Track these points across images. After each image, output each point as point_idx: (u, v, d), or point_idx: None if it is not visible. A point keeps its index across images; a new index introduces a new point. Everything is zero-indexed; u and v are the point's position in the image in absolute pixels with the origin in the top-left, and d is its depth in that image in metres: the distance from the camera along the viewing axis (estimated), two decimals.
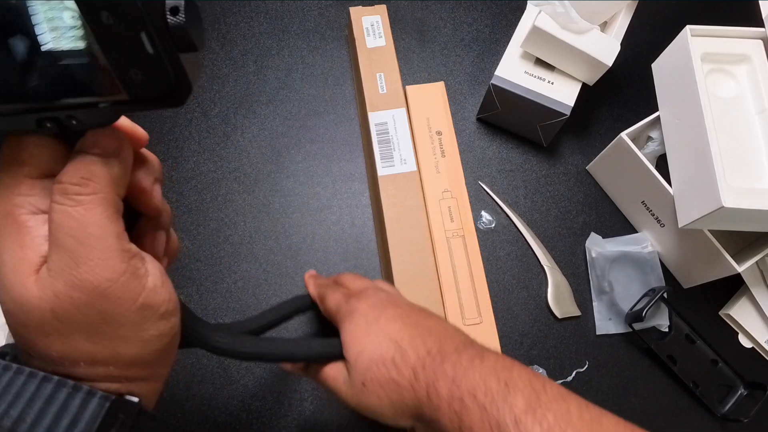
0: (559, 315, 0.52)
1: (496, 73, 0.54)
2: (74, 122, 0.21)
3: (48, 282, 0.20)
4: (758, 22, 0.50)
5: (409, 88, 0.56)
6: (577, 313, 0.53)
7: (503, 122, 0.59)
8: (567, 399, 0.29)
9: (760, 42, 0.50)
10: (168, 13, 0.18)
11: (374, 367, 0.33)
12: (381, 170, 0.51)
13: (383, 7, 0.59)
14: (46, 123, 0.21)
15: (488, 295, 0.49)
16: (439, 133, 0.54)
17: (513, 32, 0.57)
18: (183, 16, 0.18)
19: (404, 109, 0.54)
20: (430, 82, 0.59)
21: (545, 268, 0.54)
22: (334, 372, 0.36)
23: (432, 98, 0.56)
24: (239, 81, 0.60)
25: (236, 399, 0.47)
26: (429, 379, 0.31)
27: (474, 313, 0.48)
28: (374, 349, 0.33)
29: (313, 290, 0.44)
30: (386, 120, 0.53)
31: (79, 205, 0.21)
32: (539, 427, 0.27)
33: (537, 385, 0.29)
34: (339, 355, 0.35)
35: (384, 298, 0.38)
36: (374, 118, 0.53)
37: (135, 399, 0.23)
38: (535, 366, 0.50)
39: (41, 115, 0.21)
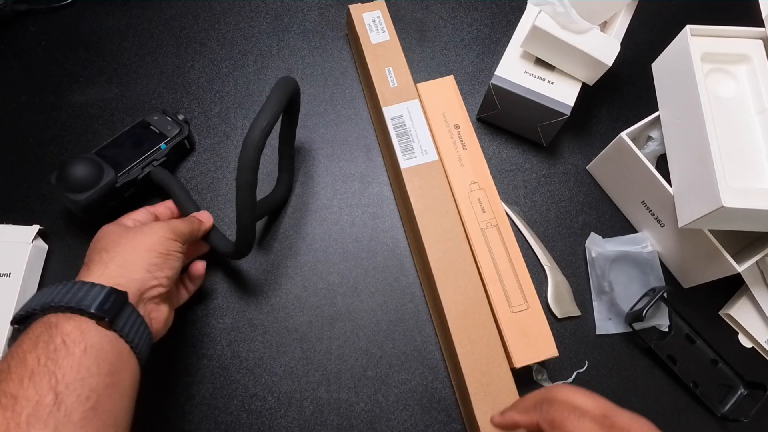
0: (559, 315, 0.52)
1: (496, 72, 0.54)
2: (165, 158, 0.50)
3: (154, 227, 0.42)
4: (758, 22, 0.50)
5: (420, 85, 0.56)
6: (577, 313, 0.53)
7: (503, 122, 0.59)
8: None
9: (760, 42, 0.50)
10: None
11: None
12: (403, 163, 0.51)
13: (382, 3, 0.59)
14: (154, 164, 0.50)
15: (531, 281, 0.49)
16: (457, 126, 0.54)
17: (513, 32, 0.57)
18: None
19: (417, 101, 0.54)
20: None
21: (545, 267, 0.54)
22: None
23: (444, 93, 0.56)
24: (239, 81, 0.60)
25: (236, 399, 0.47)
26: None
27: (520, 300, 0.48)
28: None
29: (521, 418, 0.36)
30: (401, 113, 0.54)
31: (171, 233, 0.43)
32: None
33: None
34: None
35: None
36: (389, 112, 0.54)
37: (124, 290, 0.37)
38: (537, 366, 0.49)
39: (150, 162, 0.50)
